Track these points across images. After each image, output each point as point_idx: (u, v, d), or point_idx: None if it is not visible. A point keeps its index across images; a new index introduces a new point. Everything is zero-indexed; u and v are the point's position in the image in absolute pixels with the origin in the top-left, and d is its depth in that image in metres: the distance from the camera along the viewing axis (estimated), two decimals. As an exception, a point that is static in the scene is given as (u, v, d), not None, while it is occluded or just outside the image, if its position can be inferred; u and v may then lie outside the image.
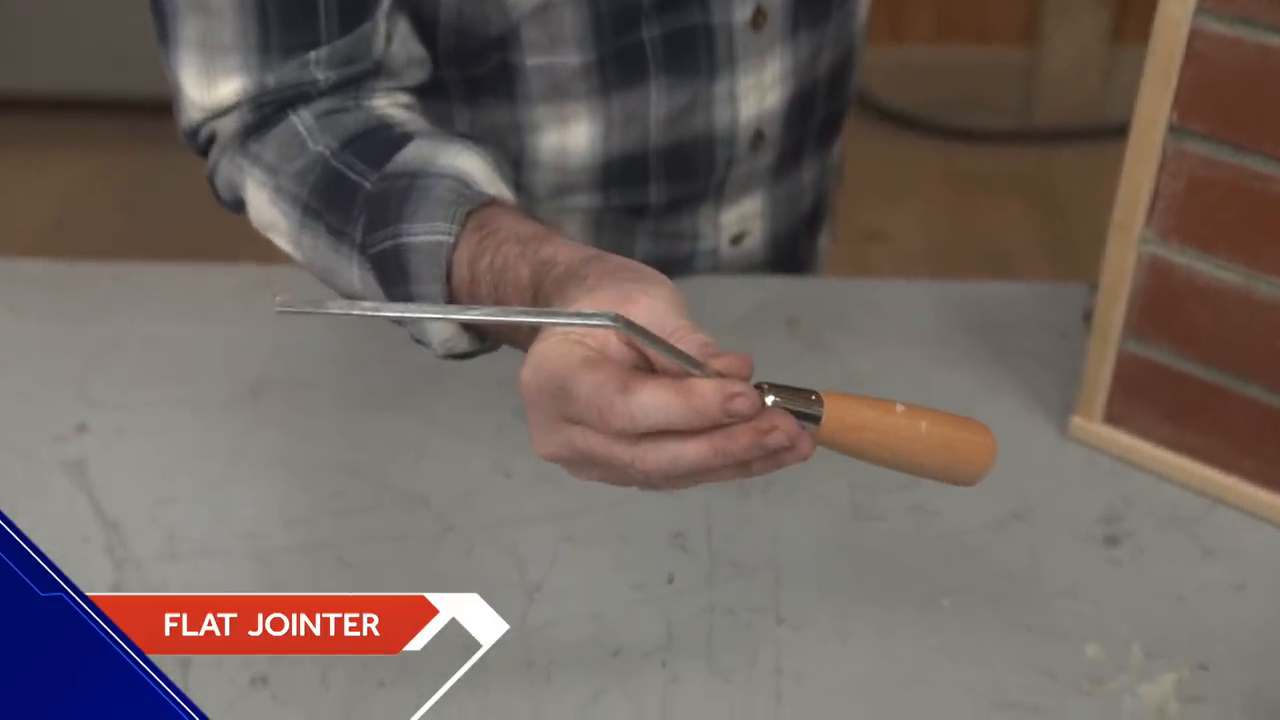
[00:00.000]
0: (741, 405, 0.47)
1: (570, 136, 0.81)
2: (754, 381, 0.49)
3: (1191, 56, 0.67)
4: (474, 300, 0.60)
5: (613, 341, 0.50)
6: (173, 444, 0.80)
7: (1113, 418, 0.78)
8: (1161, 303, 0.74)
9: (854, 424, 0.50)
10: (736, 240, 0.90)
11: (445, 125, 0.80)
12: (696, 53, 0.79)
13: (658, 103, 0.81)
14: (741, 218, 0.90)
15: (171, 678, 0.66)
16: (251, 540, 0.74)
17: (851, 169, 1.05)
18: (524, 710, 0.65)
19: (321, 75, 0.68)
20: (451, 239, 0.60)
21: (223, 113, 0.69)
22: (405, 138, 0.66)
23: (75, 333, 0.87)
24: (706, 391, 0.47)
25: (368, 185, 0.64)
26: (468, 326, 0.63)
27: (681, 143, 0.83)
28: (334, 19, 0.68)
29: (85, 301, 0.90)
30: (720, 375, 0.48)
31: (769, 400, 0.49)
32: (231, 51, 0.67)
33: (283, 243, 0.69)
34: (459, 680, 0.66)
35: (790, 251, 0.96)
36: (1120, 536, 0.73)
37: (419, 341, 0.65)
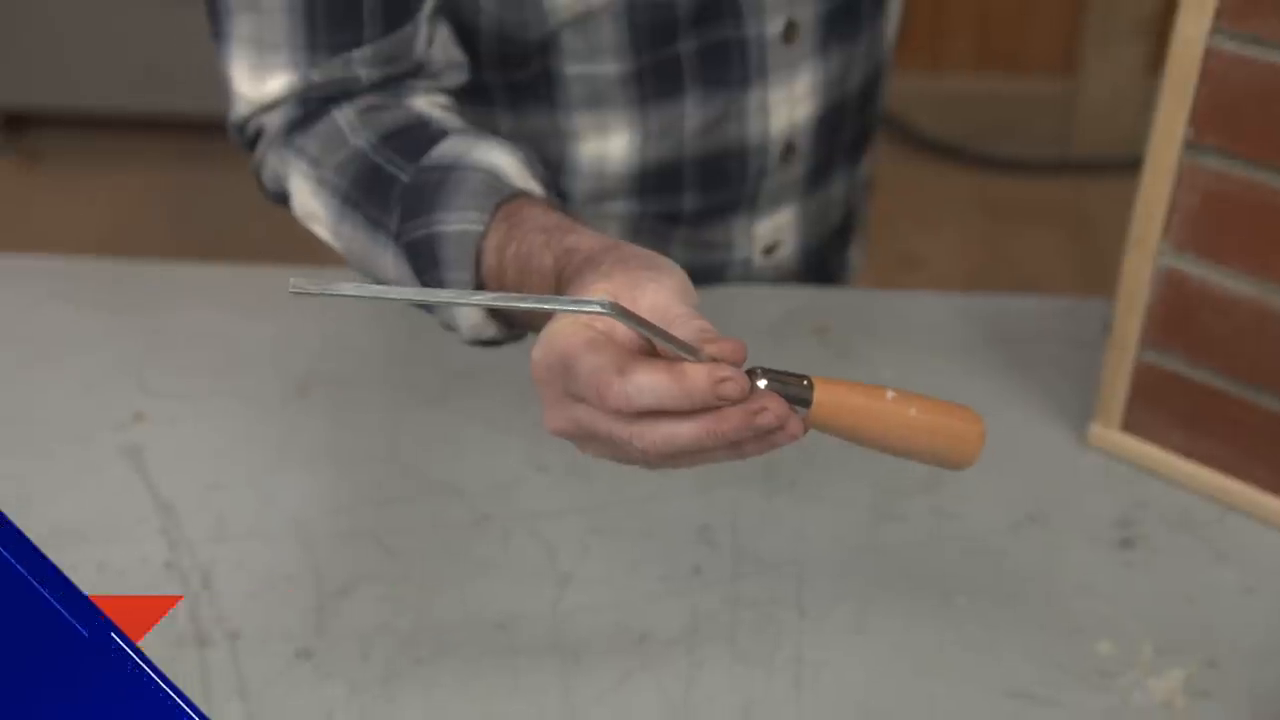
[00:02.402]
0: (730, 389, 0.49)
1: (608, 144, 0.84)
2: (748, 367, 0.51)
3: (1206, 75, 0.70)
4: (501, 287, 0.63)
5: (619, 325, 0.52)
6: (224, 433, 0.84)
7: (1130, 425, 0.80)
8: (1177, 314, 0.76)
9: (844, 408, 0.53)
10: (769, 251, 0.93)
11: (487, 130, 0.83)
12: (730, 65, 0.83)
13: (692, 113, 0.84)
14: (775, 228, 0.93)
15: (219, 650, 0.69)
16: (296, 525, 0.77)
17: (889, 196, 1.08)
18: (554, 689, 0.68)
19: (364, 73, 0.72)
20: (482, 228, 0.63)
21: (270, 107, 0.73)
22: (441, 134, 0.70)
23: (133, 327, 0.91)
24: (698, 375, 0.49)
25: (404, 177, 0.67)
26: (494, 313, 0.66)
27: (714, 153, 0.86)
28: (377, 20, 0.71)
29: (141, 298, 0.94)
30: (714, 360, 0.50)
31: (761, 384, 0.51)
32: (280, 48, 0.71)
33: (323, 232, 0.72)
34: (493, 657, 0.69)
35: (821, 263, 0.99)
36: (1134, 539, 0.75)
37: (448, 328, 0.68)
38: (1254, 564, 0.73)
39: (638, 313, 0.49)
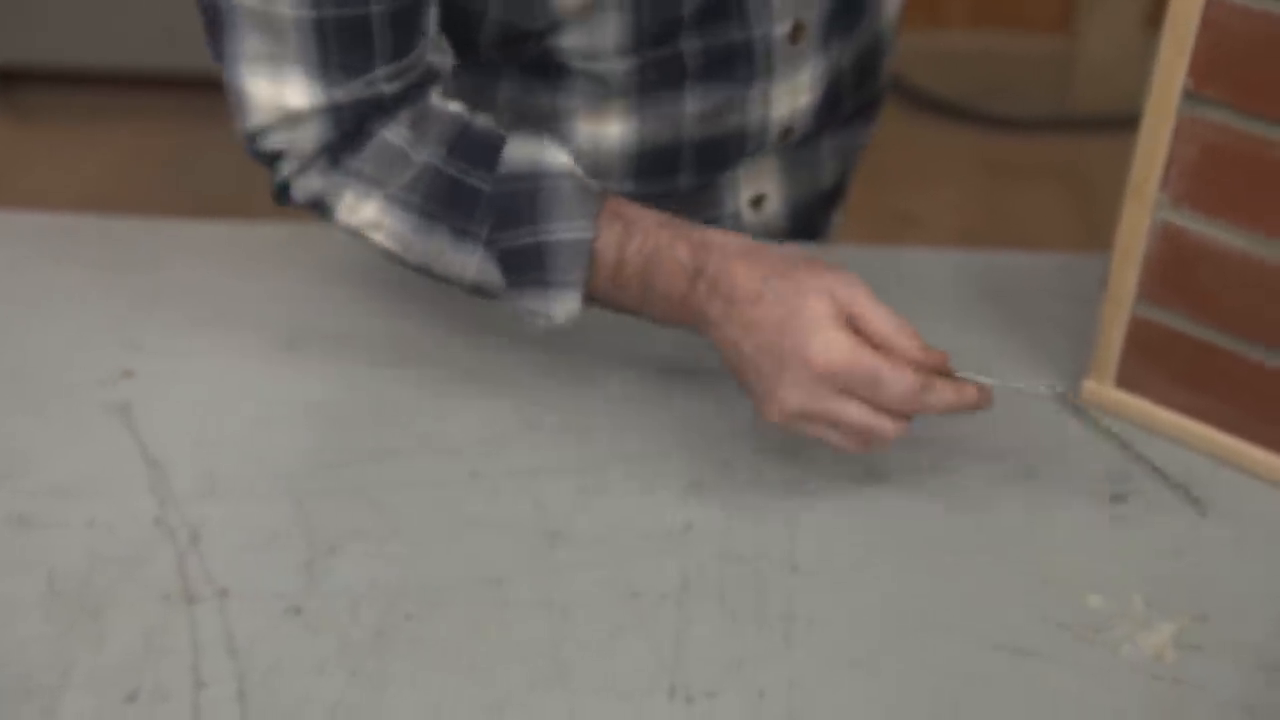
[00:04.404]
0: (986, 403, 0.71)
1: (605, 128, 0.84)
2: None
3: (1207, 24, 0.69)
4: (620, 281, 0.73)
5: (877, 325, 0.69)
6: (214, 390, 0.83)
7: (1124, 381, 0.80)
8: (1174, 268, 0.76)
9: None
10: (756, 203, 0.93)
11: (486, 99, 0.84)
12: (734, 64, 0.83)
13: (693, 106, 0.84)
14: (757, 174, 0.92)
15: (208, 607, 0.69)
16: (287, 481, 0.77)
17: (885, 153, 1.07)
18: (544, 645, 0.68)
19: (387, 88, 0.75)
20: (592, 234, 0.72)
21: (294, 121, 0.74)
22: (499, 137, 0.75)
23: (121, 284, 0.91)
24: (974, 393, 0.70)
25: (487, 188, 0.74)
26: (589, 298, 0.74)
27: (714, 138, 0.86)
28: (387, 41, 0.73)
29: (129, 255, 0.94)
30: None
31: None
32: (295, 65, 0.73)
33: (383, 239, 0.77)
34: (483, 613, 0.69)
35: (808, 223, 0.98)
36: (1127, 494, 0.75)
37: (529, 319, 0.76)
38: (1245, 519, 0.73)
39: (875, 321, 0.68)
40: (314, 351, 0.86)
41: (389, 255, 0.78)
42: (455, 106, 0.77)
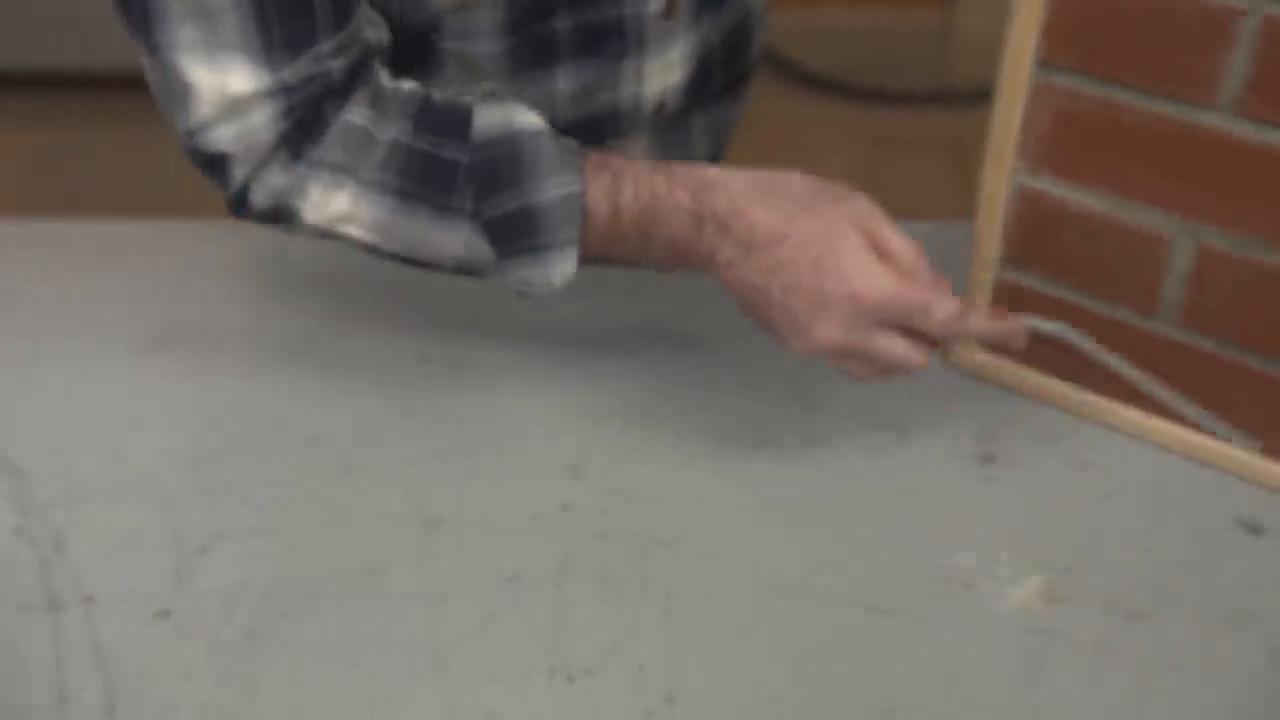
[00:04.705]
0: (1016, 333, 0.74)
1: None
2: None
3: (1056, -8, 0.70)
4: (617, 231, 0.71)
5: (888, 241, 0.70)
6: (77, 393, 0.81)
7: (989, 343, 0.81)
8: (1035, 232, 0.77)
9: None
10: None
11: None
12: (606, 40, 0.82)
13: (565, 83, 0.83)
14: (630, 152, 0.92)
15: (73, 615, 0.67)
16: (153, 482, 0.75)
17: (769, 130, 1.08)
18: (422, 634, 0.67)
19: (334, 64, 0.71)
20: (581, 187, 0.70)
21: (240, 109, 0.69)
22: (464, 108, 0.73)
23: (-24, 288, 0.88)
24: (1007, 321, 0.73)
25: (464, 159, 0.71)
26: (585, 256, 0.73)
27: (586, 117, 0.86)
28: (328, 11, 0.70)
29: (-13, 259, 0.91)
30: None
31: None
32: (235, 51, 0.68)
33: (358, 231, 0.73)
34: (359, 607, 0.68)
35: None
36: (994, 454, 0.76)
37: (522, 290, 0.74)
38: (1108, 473, 0.75)
39: (896, 246, 0.70)
40: (181, 350, 0.84)
41: (365, 248, 0.75)
42: (409, 84, 0.75)
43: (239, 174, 0.72)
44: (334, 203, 0.72)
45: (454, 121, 0.72)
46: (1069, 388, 0.79)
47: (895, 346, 0.69)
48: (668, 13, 0.83)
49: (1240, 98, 0.67)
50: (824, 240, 0.68)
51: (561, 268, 0.72)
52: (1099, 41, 0.70)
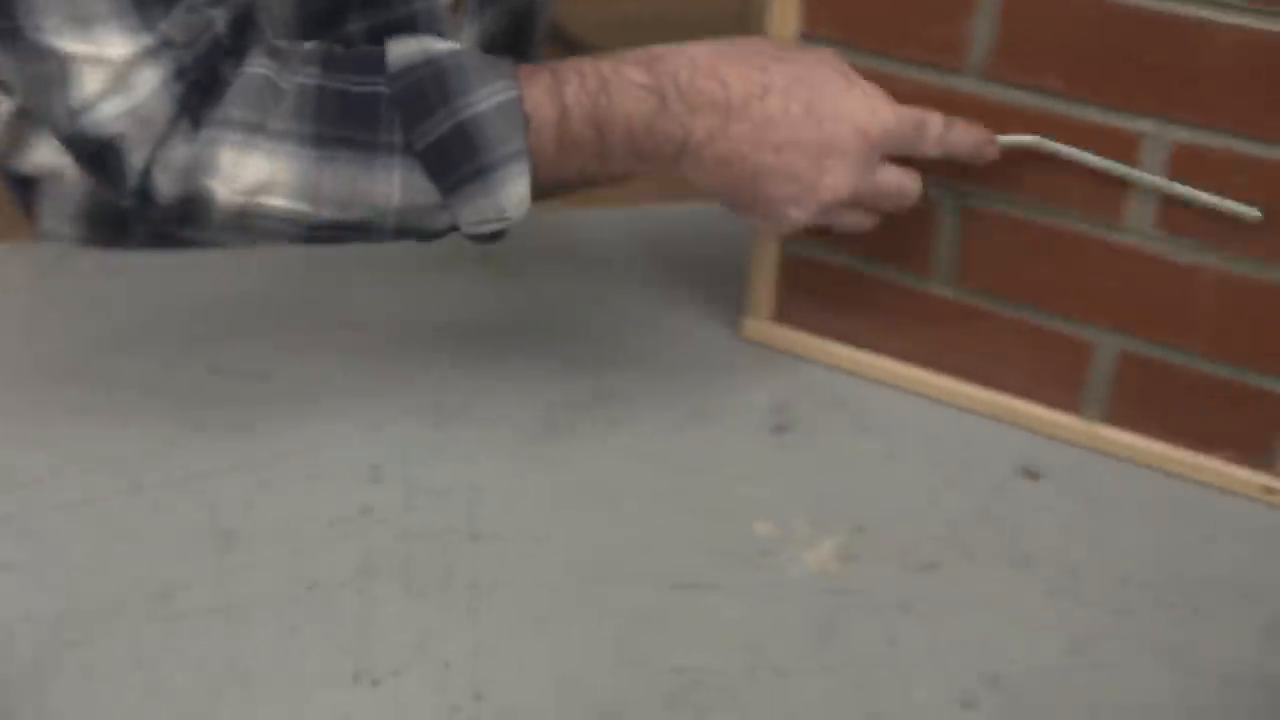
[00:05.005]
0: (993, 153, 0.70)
1: None
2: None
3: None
4: (565, 130, 0.64)
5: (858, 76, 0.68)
6: None
7: (780, 315, 0.83)
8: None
9: None
10: None
11: None
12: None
13: None
14: None
15: None
16: (-76, 521, 0.71)
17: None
18: (220, 650, 0.65)
19: (215, 14, 0.65)
20: (518, 91, 0.63)
21: (125, 76, 0.63)
22: (374, 48, 0.66)
23: None
24: (992, 139, 0.69)
25: (384, 89, 0.64)
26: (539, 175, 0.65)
27: None
28: None
29: None
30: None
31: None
32: (108, 17, 0.62)
33: (281, 201, 0.66)
34: (154, 629, 0.65)
35: None
36: (788, 424, 0.78)
37: (483, 235, 0.68)
38: (894, 432, 0.78)
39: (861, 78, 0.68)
40: (-52, 379, 0.80)
41: (292, 230, 0.67)
42: (309, 44, 0.69)
43: (136, 159, 0.64)
44: (249, 168, 0.65)
45: (366, 58, 0.66)
46: (855, 351, 0.81)
47: (898, 178, 0.68)
48: (455, 6, 0.82)
49: (987, 63, 0.70)
50: (808, 82, 0.64)
51: (513, 188, 0.65)
52: (857, 14, 0.72)
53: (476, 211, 0.65)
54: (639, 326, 0.86)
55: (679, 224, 0.94)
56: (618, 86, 0.64)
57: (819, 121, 0.64)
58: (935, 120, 0.68)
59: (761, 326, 0.84)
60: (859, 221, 0.69)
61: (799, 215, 0.66)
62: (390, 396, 0.80)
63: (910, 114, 0.67)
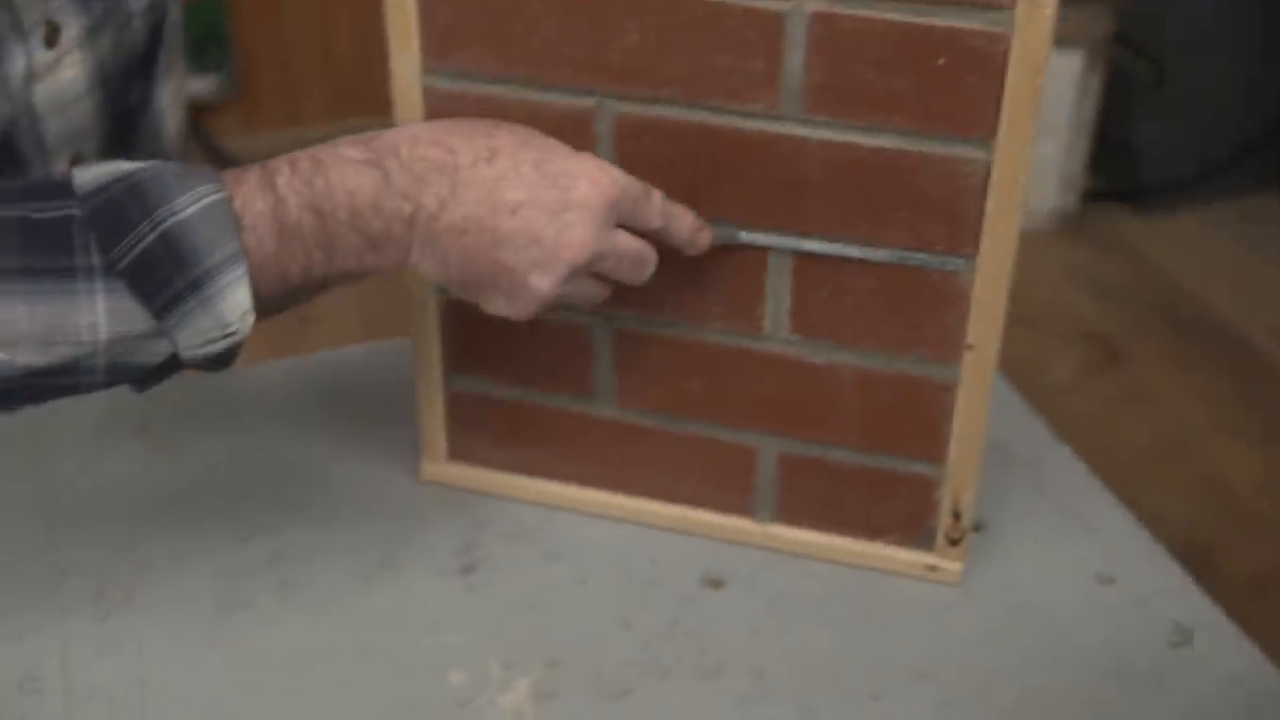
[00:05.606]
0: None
1: None
2: None
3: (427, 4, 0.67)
4: (282, 222, 0.59)
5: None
6: None
7: (455, 454, 0.82)
8: (468, 338, 0.79)
9: None
10: None
11: None
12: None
13: None
14: None
15: None
16: None
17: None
18: None
19: None
20: (225, 192, 0.58)
21: None
22: (55, 176, 0.60)
23: None
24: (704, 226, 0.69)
25: (76, 212, 0.57)
26: (268, 288, 0.60)
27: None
28: None
29: None
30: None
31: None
32: None
33: None
34: None
35: None
36: (475, 564, 0.77)
37: (206, 356, 0.60)
38: (583, 557, 0.78)
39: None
40: None
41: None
42: None
43: None
44: None
45: (46, 185, 0.59)
46: (533, 481, 0.81)
47: (636, 242, 0.65)
48: (51, 40, 0.74)
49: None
50: (534, 145, 0.62)
51: (233, 297, 0.58)
52: (483, 39, 0.68)
53: (196, 332, 0.59)
54: (312, 480, 0.83)
55: (346, 368, 0.92)
56: (334, 166, 0.60)
57: (553, 179, 0.62)
58: (655, 191, 0.66)
59: (438, 467, 0.82)
60: (598, 292, 0.66)
61: (542, 284, 0.63)
62: (44, 594, 0.74)
63: (634, 180, 0.65)
